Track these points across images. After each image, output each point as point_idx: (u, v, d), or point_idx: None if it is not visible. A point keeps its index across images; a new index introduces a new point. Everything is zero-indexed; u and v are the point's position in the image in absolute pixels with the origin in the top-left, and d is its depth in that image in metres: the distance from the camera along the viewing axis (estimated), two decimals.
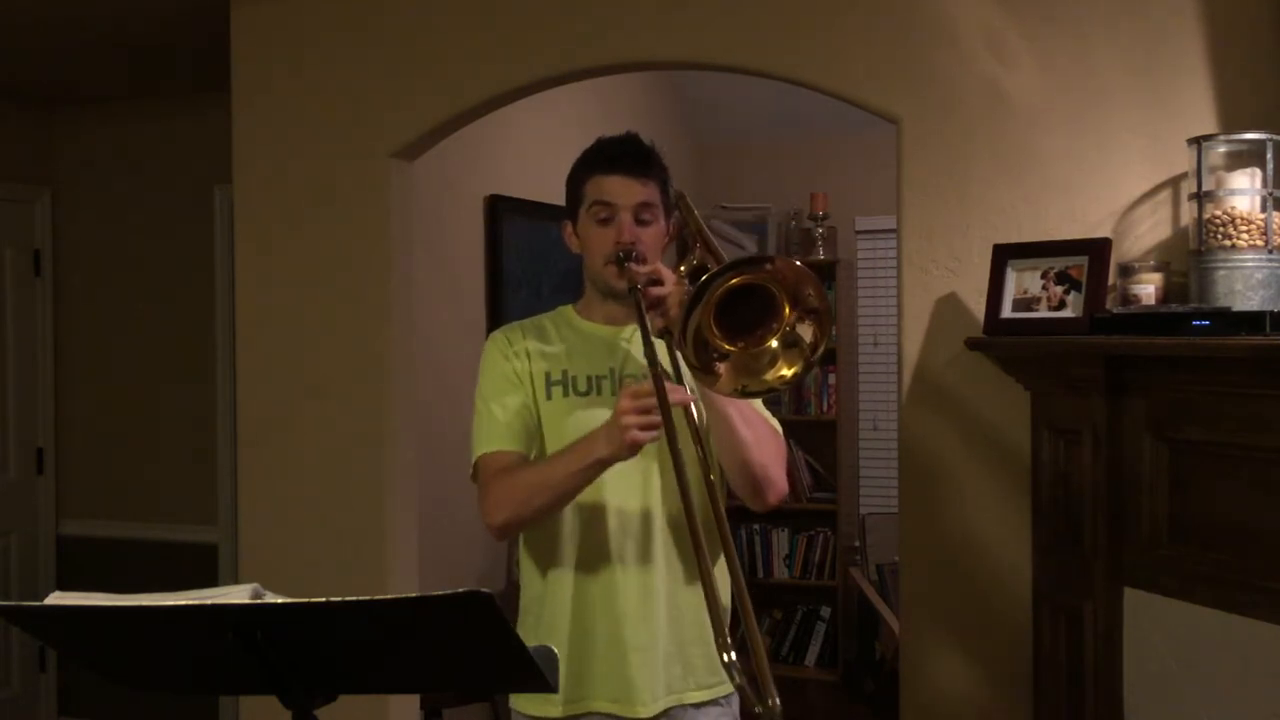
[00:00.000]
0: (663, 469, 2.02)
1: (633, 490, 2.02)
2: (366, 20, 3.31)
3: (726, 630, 1.59)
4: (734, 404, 1.91)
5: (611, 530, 2.01)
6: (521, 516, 1.98)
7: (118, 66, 4.33)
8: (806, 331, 1.78)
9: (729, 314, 1.77)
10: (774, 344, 1.79)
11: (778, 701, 1.46)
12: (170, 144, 4.74)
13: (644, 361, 1.86)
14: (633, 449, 1.81)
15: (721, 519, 1.77)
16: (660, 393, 1.75)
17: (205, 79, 4.11)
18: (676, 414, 1.78)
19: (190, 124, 4.65)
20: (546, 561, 2.06)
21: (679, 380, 1.88)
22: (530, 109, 3.76)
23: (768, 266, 1.77)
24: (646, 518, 2.02)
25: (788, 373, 1.80)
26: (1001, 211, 2.74)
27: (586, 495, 2.01)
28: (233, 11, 3.44)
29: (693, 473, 1.80)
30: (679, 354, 1.85)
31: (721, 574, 1.96)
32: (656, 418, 1.76)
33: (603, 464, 1.87)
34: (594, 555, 2.02)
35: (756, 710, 1.47)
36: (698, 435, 1.85)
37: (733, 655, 1.50)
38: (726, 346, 1.79)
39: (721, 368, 1.79)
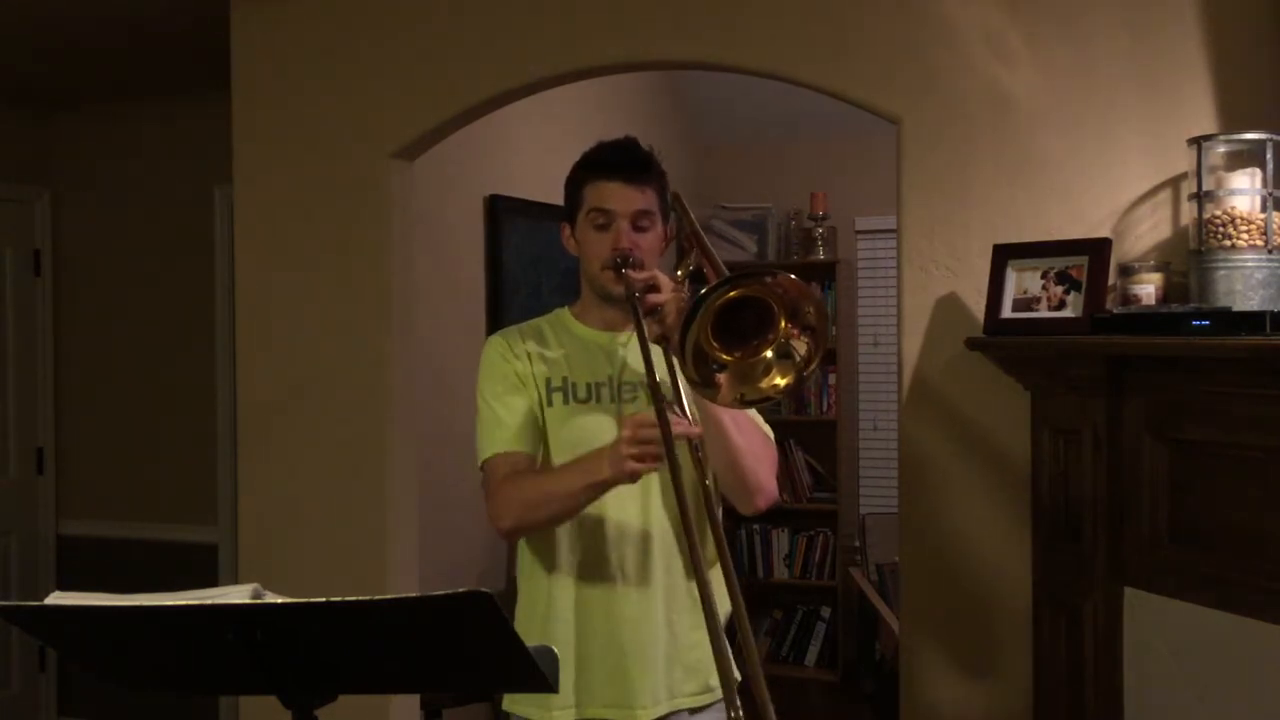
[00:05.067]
0: (661, 476, 2.02)
1: (632, 497, 2.01)
2: (367, 20, 3.31)
3: (729, 655, 1.70)
4: (727, 410, 1.91)
5: (610, 537, 2.01)
6: (528, 523, 2.00)
7: (118, 66, 4.33)
8: (800, 346, 1.79)
9: (725, 323, 1.77)
10: (769, 354, 1.80)
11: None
12: (170, 144, 4.74)
13: (641, 369, 1.89)
14: (633, 478, 1.83)
15: (720, 537, 1.80)
16: (663, 424, 1.77)
17: (205, 79, 4.10)
18: (680, 444, 1.81)
19: (190, 124, 4.64)
20: (547, 569, 2.06)
21: (675, 389, 1.88)
22: (530, 109, 3.76)
23: (767, 280, 1.76)
24: (645, 524, 2.02)
25: (781, 382, 1.80)
26: (1002, 211, 2.74)
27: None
28: (233, 11, 3.44)
29: (691, 496, 1.83)
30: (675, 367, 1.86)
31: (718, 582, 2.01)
32: (655, 449, 1.78)
33: (606, 485, 1.88)
34: (594, 562, 2.02)
35: None
36: (697, 458, 1.86)
37: (738, 676, 1.64)
38: (724, 356, 1.79)
39: (720, 378, 1.79)
